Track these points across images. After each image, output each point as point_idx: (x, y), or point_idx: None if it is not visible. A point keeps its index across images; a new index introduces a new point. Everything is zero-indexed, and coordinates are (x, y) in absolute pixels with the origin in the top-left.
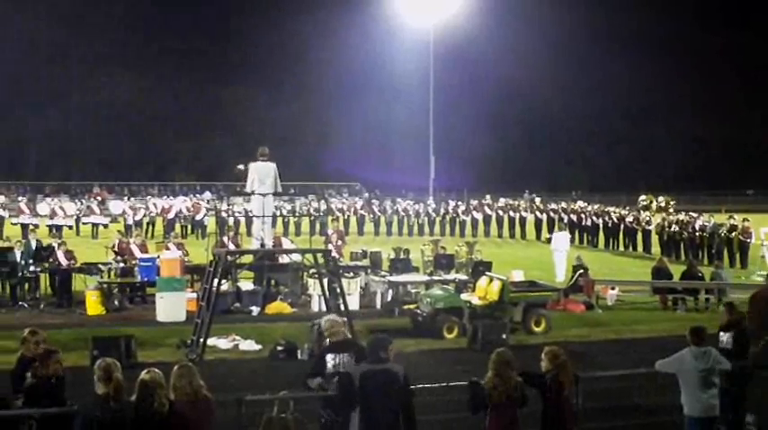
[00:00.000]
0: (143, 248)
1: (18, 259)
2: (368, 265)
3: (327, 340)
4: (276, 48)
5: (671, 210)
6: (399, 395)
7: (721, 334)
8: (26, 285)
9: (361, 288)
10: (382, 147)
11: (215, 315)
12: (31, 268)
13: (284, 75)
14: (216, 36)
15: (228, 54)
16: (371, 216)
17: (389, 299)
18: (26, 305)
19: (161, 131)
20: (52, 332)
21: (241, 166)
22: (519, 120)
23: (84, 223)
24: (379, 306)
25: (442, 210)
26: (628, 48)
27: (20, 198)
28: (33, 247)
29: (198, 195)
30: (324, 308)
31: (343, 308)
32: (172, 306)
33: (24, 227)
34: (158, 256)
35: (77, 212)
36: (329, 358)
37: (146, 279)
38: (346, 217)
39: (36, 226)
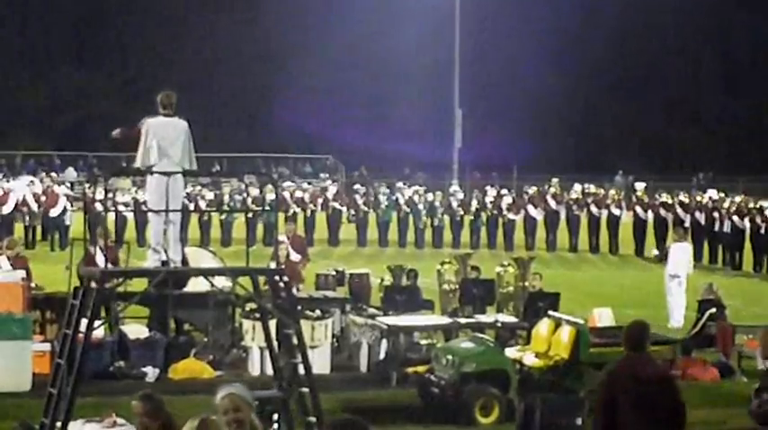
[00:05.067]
0: None
1: None
2: (346, 297)
3: None
4: None
5: None
6: None
7: None
8: None
9: (334, 336)
10: (374, 94)
11: (82, 381)
12: None
13: None
14: None
15: None
16: (352, 212)
17: (383, 355)
18: None
19: None
20: None
21: (116, 132)
22: (606, 48)
23: None
24: (364, 367)
25: (475, 203)
26: None
27: None
28: None
29: (54, 174)
30: (269, 369)
31: (302, 370)
32: (7, 365)
33: None
34: None
35: None
36: None
37: None
38: (309, 213)
39: None
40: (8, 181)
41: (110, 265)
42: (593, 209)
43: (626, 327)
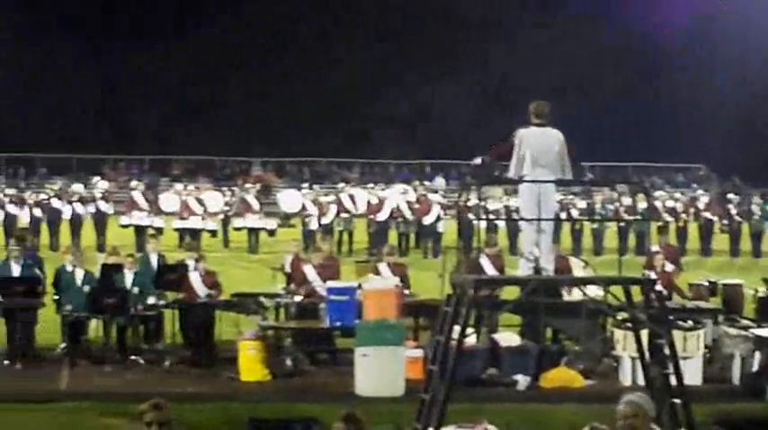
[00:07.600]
0: (331, 270)
1: (129, 285)
2: (718, 308)
3: None
4: None
5: None
6: None
7: None
8: (141, 328)
9: (706, 347)
10: (742, 104)
11: (455, 388)
12: (151, 300)
13: None
14: None
15: None
16: (725, 222)
17: (756, 367)
18: (141, 360)
19: (357, 73)
20: (184, 407)
21: (478, 160)
22: None
23: (236, 227)
24: (737, 379)
25: None
26: None
27: (134, 183)
28: (154, 266)
29: (427, 182)
30: (640, 380)
31: (674, 381)
32: (381, 370)
33: (140, 231)
34: (360, 285)
35: (225, 209)
36: None
37: (338, 323)
38: (682, 223)
39: (159, 230)
40: (382, 189)
41: (493, 271)
42: None
43: None
